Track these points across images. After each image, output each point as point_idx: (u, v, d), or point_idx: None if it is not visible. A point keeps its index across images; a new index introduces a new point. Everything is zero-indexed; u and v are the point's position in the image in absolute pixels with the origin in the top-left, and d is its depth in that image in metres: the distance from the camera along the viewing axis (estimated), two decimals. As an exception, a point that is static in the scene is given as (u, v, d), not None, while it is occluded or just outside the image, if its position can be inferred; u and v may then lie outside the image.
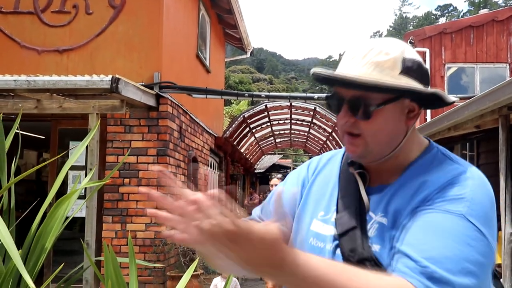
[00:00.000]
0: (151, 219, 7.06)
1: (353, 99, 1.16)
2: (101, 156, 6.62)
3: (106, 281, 2.23)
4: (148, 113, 7.17)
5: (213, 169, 12.23)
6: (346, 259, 1.13)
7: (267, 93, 7.62)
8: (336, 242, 1.17)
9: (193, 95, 7.61)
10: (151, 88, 7.07)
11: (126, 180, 7.09)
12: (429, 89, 1.18)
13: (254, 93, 7.99)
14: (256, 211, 1.45)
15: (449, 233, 1.01)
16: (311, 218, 1.25)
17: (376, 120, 1.17)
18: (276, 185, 5.86)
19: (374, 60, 1.16)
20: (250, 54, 14.08)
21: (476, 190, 1.09)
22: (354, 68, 1.16)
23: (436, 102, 1.23)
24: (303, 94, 7.57)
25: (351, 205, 1.19)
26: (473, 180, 1.11)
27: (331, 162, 1.37)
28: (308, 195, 1.32)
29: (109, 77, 5.72)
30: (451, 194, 1.08)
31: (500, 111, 4.75)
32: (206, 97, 7.78)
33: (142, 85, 6.82)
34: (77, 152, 2.89)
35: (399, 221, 1.10)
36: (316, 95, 7.34)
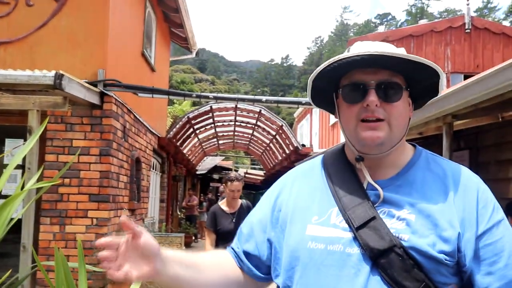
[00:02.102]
0: (92, 220, 6.81)
1: (384, 81, 1.20)
2: (40, 154, 6.30)
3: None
4: (91, 111, 6.90)
5: (156, 170, 12.01)
6: (370, 249, 1.12)
7: (215, 94, 7.52)
8: (346, 239, 1.17)
9: (139, 94, 7.40)
10: (95, 86, 6.82)
11: (67, 180, 6.78)
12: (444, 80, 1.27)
13: (202, 94, 7.88)
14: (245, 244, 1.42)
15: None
16: (304, 225, 1.24)
17: (401, 104, 1.22)
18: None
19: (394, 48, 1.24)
20: (196, 55, 13.92)
21: (486, 188, 1.23)
22: (384, 50, 1.19)
23: (422, 100, 1.32)
24: (251, 97, 7.53)
25: (359, 199, 1.20)
26: (477, 177, 1.24)
27: (309, 173, 1.38)
28: (290, 210, 1.31)
29: (53, 72, 5.45)
30: (489, 207, 1.18)
31: (445, 119, 4.91)
32: (152, 97, 7.58)
33: (86, 82, 6.57)
34: (21, 153, 2.75)
35: (440, 225, 1.13)
36: (264, 98, 7.33)
